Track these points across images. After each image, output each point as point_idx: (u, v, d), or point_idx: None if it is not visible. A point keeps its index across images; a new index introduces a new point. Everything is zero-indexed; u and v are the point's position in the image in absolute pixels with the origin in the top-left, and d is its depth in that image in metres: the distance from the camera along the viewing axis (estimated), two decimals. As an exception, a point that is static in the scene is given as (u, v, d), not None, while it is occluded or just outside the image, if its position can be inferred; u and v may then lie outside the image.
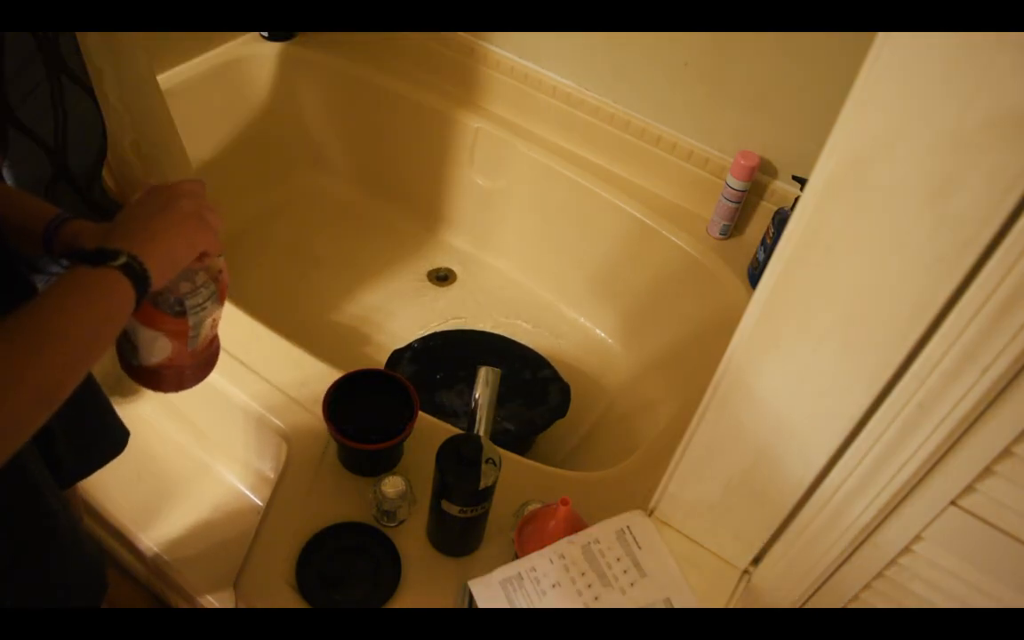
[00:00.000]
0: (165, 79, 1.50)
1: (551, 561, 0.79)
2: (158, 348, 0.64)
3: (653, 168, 1.53)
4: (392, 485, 0.85)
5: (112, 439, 0.88)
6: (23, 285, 0.61)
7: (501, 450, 0.84)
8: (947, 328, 0.56)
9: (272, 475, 1.14)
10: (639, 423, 1.40)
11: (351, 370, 0.95)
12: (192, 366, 0.68)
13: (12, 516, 0.61)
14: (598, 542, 0.82)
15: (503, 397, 1.38)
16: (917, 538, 0.72)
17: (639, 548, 0.83)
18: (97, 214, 0.95)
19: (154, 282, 0.54)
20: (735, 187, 1.39)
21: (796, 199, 1.36)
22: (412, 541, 0.87)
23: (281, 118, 1.75)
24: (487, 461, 0.79)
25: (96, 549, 0.75)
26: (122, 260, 0.52)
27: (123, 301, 0.52)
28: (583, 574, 0.79)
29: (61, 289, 0.50)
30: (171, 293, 0.61)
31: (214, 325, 0.68)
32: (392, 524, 0.87)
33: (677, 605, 0.80)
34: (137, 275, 0.53)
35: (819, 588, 0.83)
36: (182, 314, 0.62)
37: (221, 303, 0.66)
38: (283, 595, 0.80)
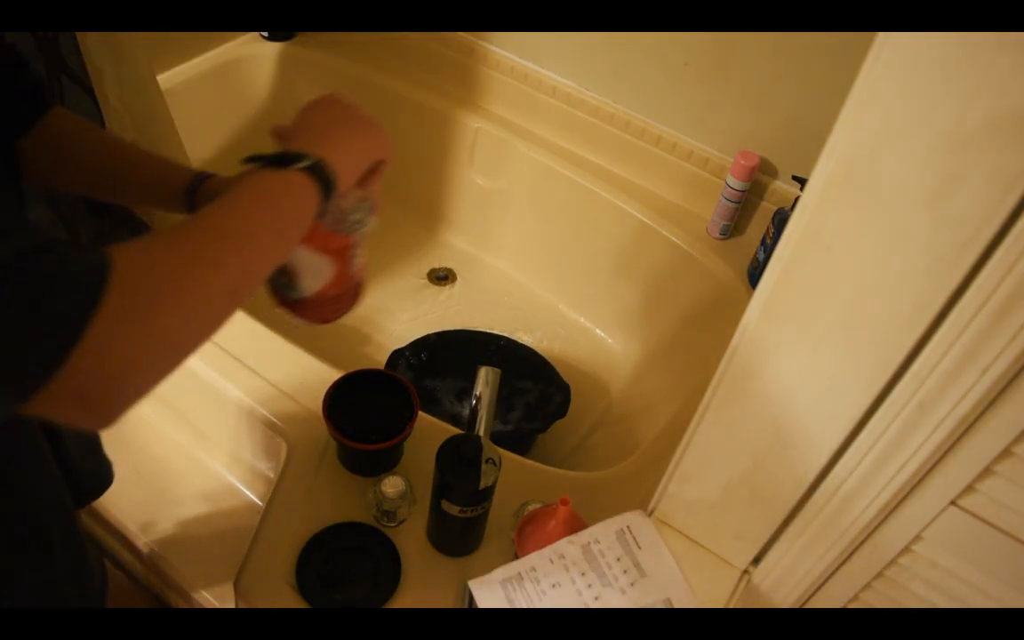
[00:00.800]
0: (165, 79, 1.50)
1: (551, 561, 0.79)
2: (321, 272, 0.61)
3: (653, 168, 1.53)
4: (392, 485, 0.85)
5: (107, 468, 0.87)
6: None
7: (501, 450, 0.84)
8: (947, 328, 0.56)
9: (272, 475, 1.14)
10: (639, 423, 1.40)
11: (351, 370, 0.95)
12: (348, 291, 0.66)
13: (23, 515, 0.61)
14: (598, 542, 0.82)
15: (503, 397, 1.38)
16: (917, 538, 0.72)
17: (639, 548, 0.83)
18: (97, 214, 0.95)
19: (339, 186, 0.52)
20: (735, 187, 1.39)
21: (796, 199, 1.36)
22: (412, 541, 0.87)
23: (281, 118, 1.74)
24: (487, 461, 0.79)
25: (95, 550, 0.75)
26: (307, 162, 0.50)
27: (308, 204, 0.50)
28: (583, 574, 0.79)
29: (245, 191, 0.47)
30: (341, 209, 0.57)
31: (364, 259, 0.66)
32: (392, 524, 0.87)
33: (677, 605, 0.80)
34: (323, 177, 0.51)
35: (819, 588, 0.83)
36: (344, 231, 0.59)
37: (374, 216, 0.63)
38: (283, 595, 0.80)
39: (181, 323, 0.43)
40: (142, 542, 1.14)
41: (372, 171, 0.60)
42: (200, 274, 0.43)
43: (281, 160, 0.50)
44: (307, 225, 0.51)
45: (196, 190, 0.63)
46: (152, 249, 0.42)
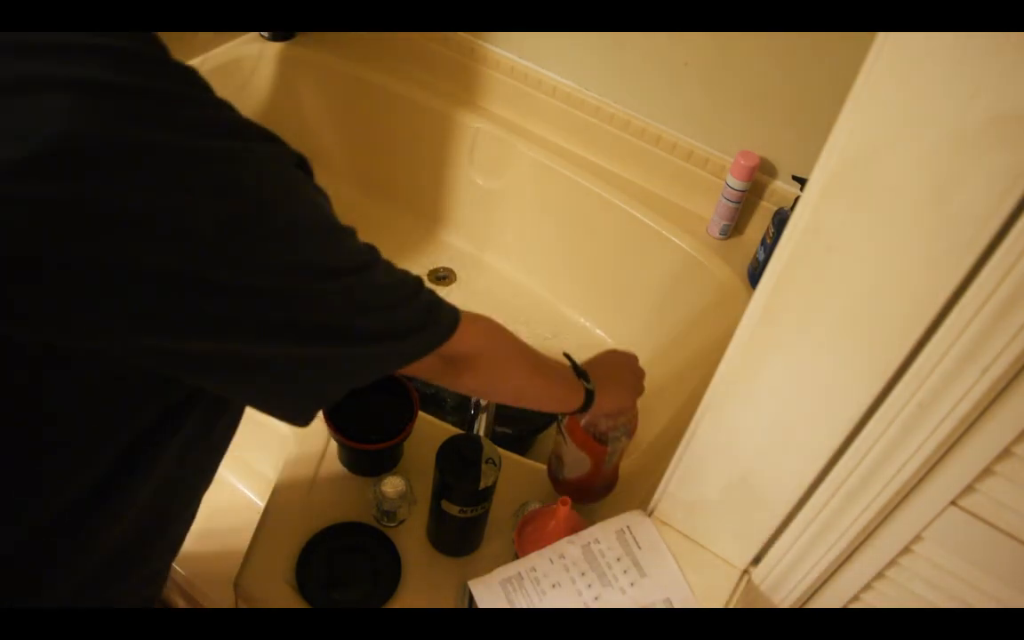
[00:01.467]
0: (165, 79, 1.50)
1: (551, 561, 0.79)
2: (581, 465, 0.86)
3: (653, 168, 1.53)
4: (392, 485, 0.85)
5: None
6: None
7: (501, 450, 0.84)
8: (947, 328, 0.56)
9: (272, 475, 1.14)
10: (638, 423, 1.40)
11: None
12: (599, 485, 0.91)
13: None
14: (598, 542, 0.82)
15: (503, 397, 1.38)
16: (917, 538, 0.72)
17: (639, 548, 0.83)
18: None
19: (594, 411, 0.81)
20: (735, 187, 1.39)
21: (796, 199, 1.36)
22: (412, 541, 0.87)
23: (281, 118, 1.75)
24: (487, 461, 0.79)
25: None
26: (589, 387, 0.80)
27: (574, 403, 0.79)
28: (583, 574, 0.79)
29: (558, 367, 0.80)
30: (600, 426, 0.84)
31: (622, 454, 0.90)
32: (392, 524, 0.87)
33: (677, 605, 0.80)
34: (589, 399, 0.80)
35: (819, 588, 0.83)
36: (604, 442, 0.84)
37: (630, 439, 0.88)
38: (283, 595, 0.80)
39: (509, 380, 0.76)
40: (142, 542, 1.14)
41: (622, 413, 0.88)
42: (518, 376, 0.76)
43: (580, 373, 0.81)
44: (563, 410, 0.81)
45: None
46: (501, 329, 0.75)
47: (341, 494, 0.90)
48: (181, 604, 1.12)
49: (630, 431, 0.86)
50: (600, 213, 1.55)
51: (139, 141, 0.41)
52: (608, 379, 0.83)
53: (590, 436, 0.84)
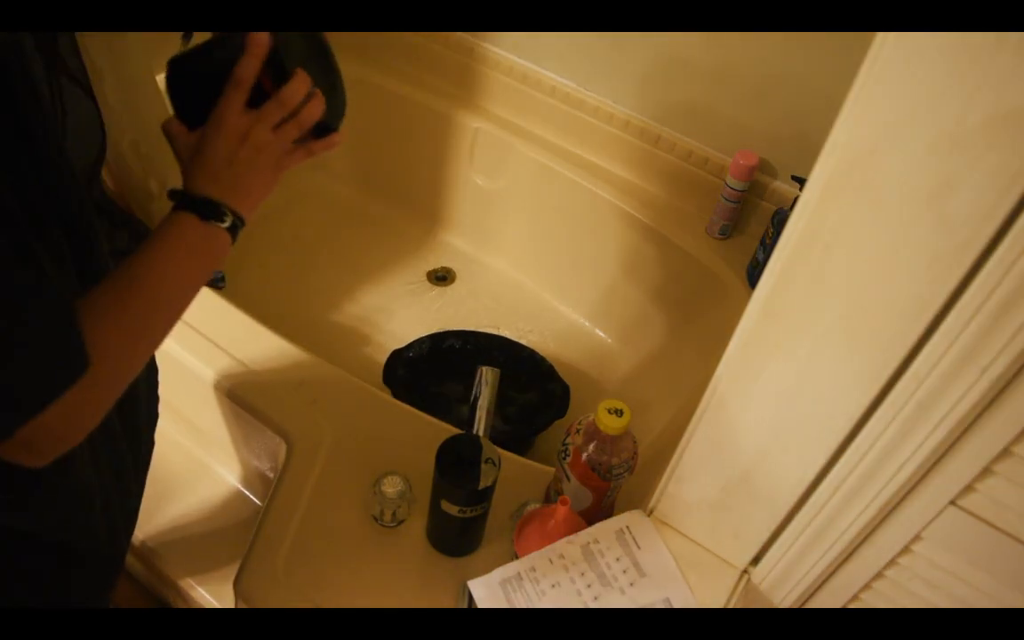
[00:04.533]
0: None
1: (550, 561, 0.79)
2: (582, 499, 0.85)
3: (653, 168, 1.53)
4: (392, 485, 0.85)
5: None
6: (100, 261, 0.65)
7: (501, 450, 0.84)
8: (947, 328, 0.56)
9: (271, 475, 1.14)
10: (638, 423, 1.40)
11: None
12: (599, 515, 0.88)
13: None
14: (597, 542, 0.82)
15: (502, 397, 1.38)
16: (917, 538, 0.72)
17: (638, 548, 0.83)
18: (96, 214, 0.95)
19: (248, 217, 0.60)
20: (734, 187, 1.39)
21: (795, 199, 1.36)
22: (412, 541, 0.87)
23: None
24: (487, 461, 0.79)
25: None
26: (228, 222, 0.58)
27: (222, 254, 0.59)
28: (583, 574, 0.79)
29: (173, 243, 0.56)
30: (604, 463, 0.83)
31: (620, 488, 0.88)
32: (392, 524, 0.87)
33: (676, 605, 0.80)
34: (237, 231, 0.59)
35: (819, 588, 0.83)
36: (607, 479, 0.83)
37: (631, 474, 0.86)
38: (283, 595, 0.80)
39: (127, 381, 0.53)
40: (142, 542, 1.14)
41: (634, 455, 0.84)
42: (147, 338, 0.54)
43: (204, 211, 0.57)
44: (219, 264, 0.59)
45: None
46: (114, 323, 0.50)
47: (342, 493, 0.90)
48: (180, 604, 1.12)
49: (632, 467, 0.85)
50: (600, 213, 1.55)
51: None
52: (241, 180, 0.60)
53: (595, 474, 0.83)
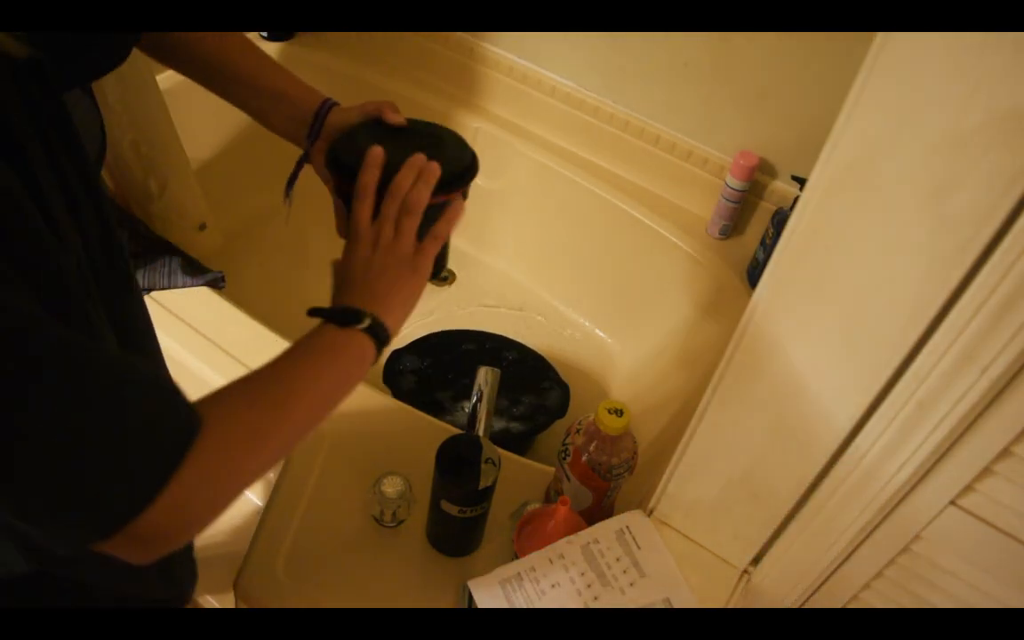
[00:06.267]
0: (165, 79, 1.50)
1: (550, 561, 0.79)
2: (582, 499, 0.85)
3: (653, 168, 1.53)
4: (392, 485, 0.85)
5: None
6: (130, 286, 0.64)
7: (501, 450, 0.84)
8: (947, 328, 0.56)
9: (271, 475, 1.14)
10: (638, 423, 1.40)
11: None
12: (599, 515, 0.88)
13: None
14: (597, 542, 0.82)
15: (502, 397, 1.38)
16: (917, 538, 0.72)
17: (638, 548, 0.83)
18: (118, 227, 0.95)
19: (392, 335, 0.59)
20: (734, 187, 1.39)
21: (796, 199, 1.36)
22: (412, 541, 0.87)
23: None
24: (486, 461, 0.79)
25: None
26: (366, 323, 0.56)
27: (366, 360, 0.56)
28: (582, 574, 0.79)
29: (315, 349, 0.55)
30: (604, 463, 0.82)
31: (620, 488, 0.88)
32: (392, 524, 0.87)
33: (676, 605, 0.80)
34: (379, 336, 0.57)
35: (819, 588, 0.83)
36: (607, 479, 0.83)
37: (631, 474, 0.85)
38: (283, 595, 0.80)
39: (252, 478, 0.49)
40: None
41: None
42: (276, 439, 0.49)
43: (340, 318, 0.56)
44: (362, 376, 0.57)
45: (322, 122, 0.70)
46: (236, 409, 0.48)
47: (342, 493, 0.90)
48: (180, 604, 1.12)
49: (632, 467, 0.85)
50: (600, 213, 1.55)
51: None
52: (379, 287, 0.60)
53: (595, 473, 0.83)
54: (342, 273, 0.61)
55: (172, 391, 0.44)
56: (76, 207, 0.47)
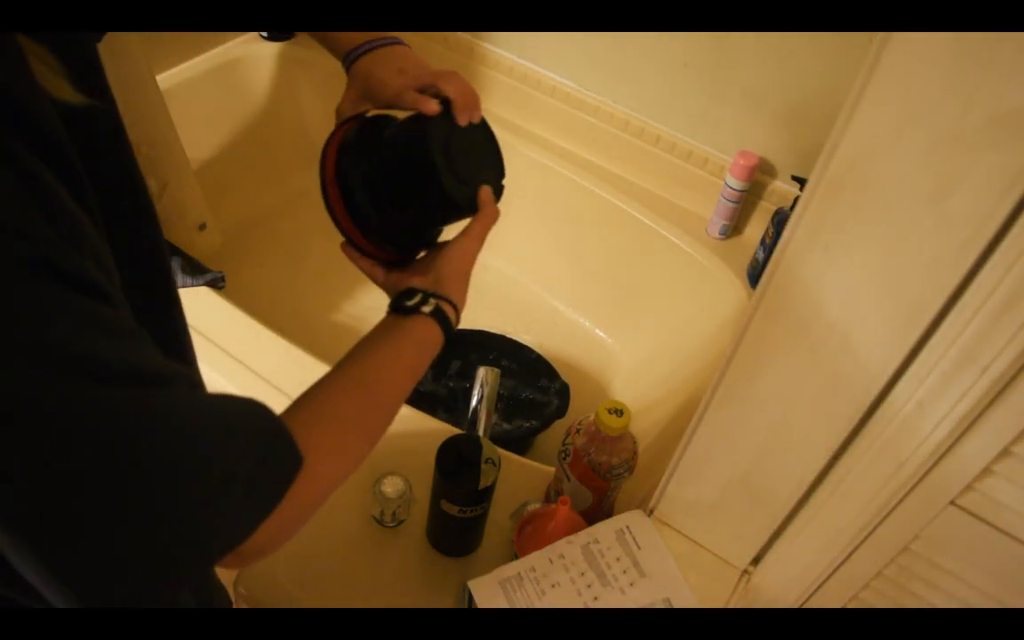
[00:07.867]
0: (165, 79, 1.50)
1: (551, 561, 0.79)
2: (583, 499, 0.86)
3: (653, 168, 1.53)
4: (392, 485, 0.85)
5: None
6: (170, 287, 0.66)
7: (501, 450, 0.84)
8: (946, 328, 0.56)
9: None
10: (638, 423, 1.40)
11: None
12: (599, 515, 0.89)
13: None
14: (597, 542, 0.82)
15: (502, 397, 1.38)
16: (916, 538, 0.72)
17: (639, 548, 0.83)
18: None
19: (461, 307, 0.65)
20: (734, 187, 1.39)
21: (795, 199, 1.36)
22: (412, 541, 0.87)
23: (280, 118, 1.75)
24: (487, 461, 0.79)
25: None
26: (430, 307, 0.61)
27: (432, 346, 0.60)
28: (583, 574, 0.79)
29: (380, 339, 0.59)
30: (604, 463, 0.83)
31: (620, 488, 0.89)
32: (392, 524, 0.87)
33: (677, 605, 0.80)
34: (444, 321, 0.61)
35: (819, 588, 0.83)
36: (607, 479, 0.83)
37: (631, 474, 0.86)
38: (283, 595, 0.80)
39: (342, 478, 0.53)
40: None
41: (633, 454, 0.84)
42: (364, 452, 0.55)
43: (405, 308, 0.61)
44: (432, 357, 0.60)
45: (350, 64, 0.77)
46: (331, 434, 0.51)
47: (342, 493, 0.90)
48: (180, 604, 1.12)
49: (632, 467, 0.86)
50: (600, 213, 1.55)
51: None
52: (448, 269, 0.68)
53: (596, 474, 0.83)
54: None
55: (277, 427, 0.45)
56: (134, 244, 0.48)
